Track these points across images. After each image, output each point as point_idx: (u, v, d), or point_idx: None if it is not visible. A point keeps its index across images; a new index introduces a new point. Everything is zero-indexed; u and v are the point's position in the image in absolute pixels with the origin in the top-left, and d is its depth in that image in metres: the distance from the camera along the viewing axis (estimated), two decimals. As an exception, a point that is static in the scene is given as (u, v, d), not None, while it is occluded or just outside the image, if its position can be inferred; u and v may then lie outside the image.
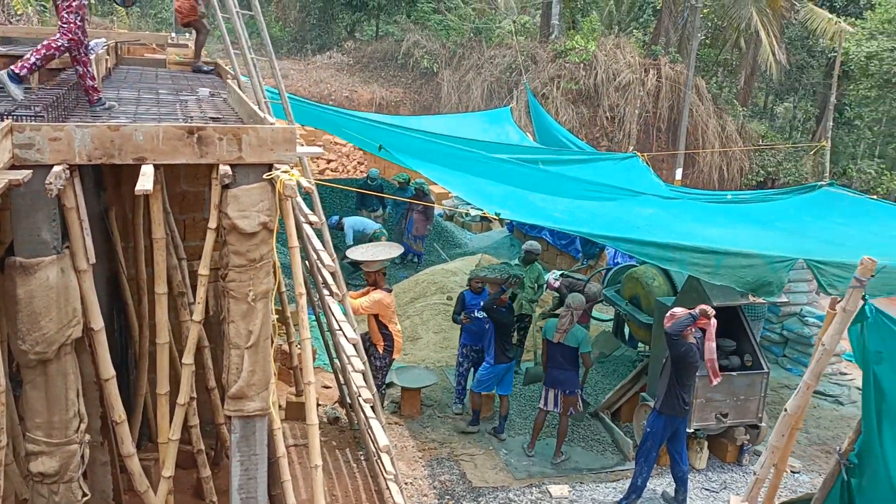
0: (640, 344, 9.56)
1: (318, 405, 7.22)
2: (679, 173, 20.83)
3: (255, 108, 4.49)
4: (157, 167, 3.55)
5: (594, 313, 10.50)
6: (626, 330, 9.79)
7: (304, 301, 4.05)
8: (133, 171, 3.51)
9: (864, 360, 4.09)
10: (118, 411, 3.75)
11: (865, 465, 4.34)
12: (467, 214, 15.40)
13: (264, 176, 3.64)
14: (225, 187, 3.62)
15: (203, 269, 3.77)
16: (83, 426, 3.62)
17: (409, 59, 23.62)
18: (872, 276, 3.71)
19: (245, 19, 5.82)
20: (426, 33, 23.94)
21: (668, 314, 6.54)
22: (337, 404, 7.51)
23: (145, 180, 3.35)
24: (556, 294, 9.88)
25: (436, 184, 10.64)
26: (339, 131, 10.80)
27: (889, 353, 3.99)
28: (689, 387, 6.47)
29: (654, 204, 8.43)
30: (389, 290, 7.46)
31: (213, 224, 3.72)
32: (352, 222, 11.92)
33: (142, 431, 5.06)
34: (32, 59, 4.15)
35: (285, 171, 3.65)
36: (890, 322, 3.95)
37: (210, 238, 3.75)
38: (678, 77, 22.49)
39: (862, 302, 3.83)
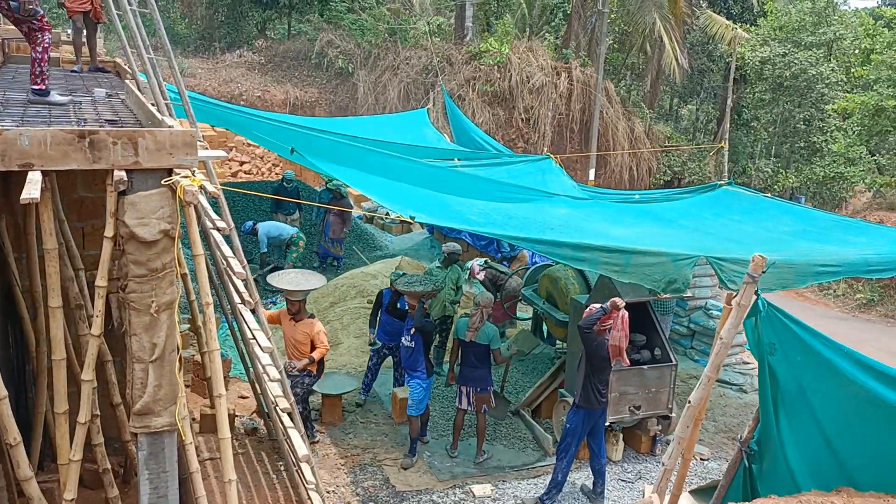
0: (557, 341, 9.78)
1: (235, 416, 7.01)
2: (592, 174, 21.49)
3: (154, 109, 4.31)
4: (46, 173, 3.36)
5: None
6: (545, 328, 9.99)
7: (210, 311, 3.92)
8: (23, 177, 3.31)
9: (759, 351, 4.32)
10: (12, 433, 3.53)
11: (765, 452, 4.59)
12: (387, 216, 15.34)
13: (163, 181, 3.49)
14: (121, 194, 3.46)
15: (100, 281, 3.59)
16: (-29, 452, 3.39)
17: (323, 59, 23.32)
18: (764, 271, 3.92)
19: (142, 16, 5.58)
20: (340, 33, 23.69)
21: (585, 311, 6.71)
22: (255, 414, 7.32)
23: (31, 188, 3.17)
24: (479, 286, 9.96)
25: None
26: (249, 133, 10.50)
27: (782, 344, 4.23)
28: (604, 380, 6.66)
29: (568, 205, 8.63)
30: (312, 317, 7.26)
31: (109, 232, 3.55)
32: (266, 228, 11.59)
33: (45, 451, 4.77)
34: (45, 67, 4.60)
35: (186, 176, 3.52)
36: (781, 315, 4.19)
37: (107, 247, 3.57)
38: (589, 80, 23.19)
39: (755, 297, 4.04)
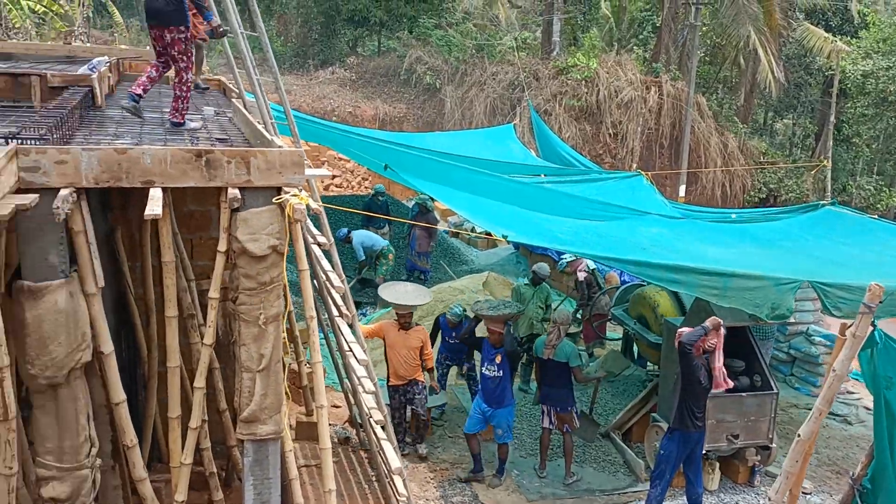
0: (648, 363, 9.51)
1: (329, 425, 7.16)
2: (682, 190, 20.90)
3: (262, 128, 4.49)
4: (165, 190, 3.54)
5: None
6: (635, 349, 9.74)
7: (314, 324, 4.03)
8: (140, 190, 3.48)
9: (875, 385, 4.08)
10: (130, 435, 3.72)
11: (879, 490, 4.31)
12: (473, 231, 15.42)
13: (274, 199, 3.63)
14: (234, 210, 3.61)
15: (213, 293, 3.75)
16: (94, 451, 3.59)
17: (411, 75, 23.72)
18: (881, 302, 3.69)
19: (249, 38, 5.84)
20: (428, 49, 24.04)
21: (676, 334, 6.51)
22: (347, 424, 7.46)
23: (154, 204, 3.34)
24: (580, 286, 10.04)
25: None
26: (344, 149, 10.82)
27: (902, 377, 3.97)
28: (700, 404, 6.42)
29: (660, 224, 8.42)
30: (418, 324, 7.70)
31: (222, 247, 3.71)
32: (361, 237, 11.87)
33: (151, 452, 5.02)
34: (186, 104, 4.93)
35: (294, 195, 3.64)
36: (901, 347, 3.94)
37: (220, 261, 3.73)
38: (679, 94, 22.59)
39: (871, 328, 3.82)
